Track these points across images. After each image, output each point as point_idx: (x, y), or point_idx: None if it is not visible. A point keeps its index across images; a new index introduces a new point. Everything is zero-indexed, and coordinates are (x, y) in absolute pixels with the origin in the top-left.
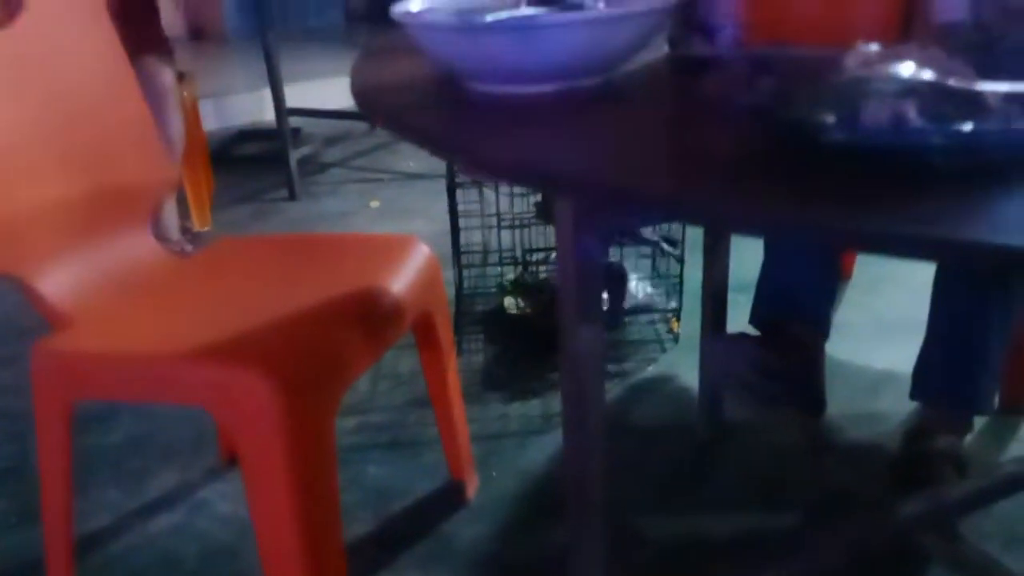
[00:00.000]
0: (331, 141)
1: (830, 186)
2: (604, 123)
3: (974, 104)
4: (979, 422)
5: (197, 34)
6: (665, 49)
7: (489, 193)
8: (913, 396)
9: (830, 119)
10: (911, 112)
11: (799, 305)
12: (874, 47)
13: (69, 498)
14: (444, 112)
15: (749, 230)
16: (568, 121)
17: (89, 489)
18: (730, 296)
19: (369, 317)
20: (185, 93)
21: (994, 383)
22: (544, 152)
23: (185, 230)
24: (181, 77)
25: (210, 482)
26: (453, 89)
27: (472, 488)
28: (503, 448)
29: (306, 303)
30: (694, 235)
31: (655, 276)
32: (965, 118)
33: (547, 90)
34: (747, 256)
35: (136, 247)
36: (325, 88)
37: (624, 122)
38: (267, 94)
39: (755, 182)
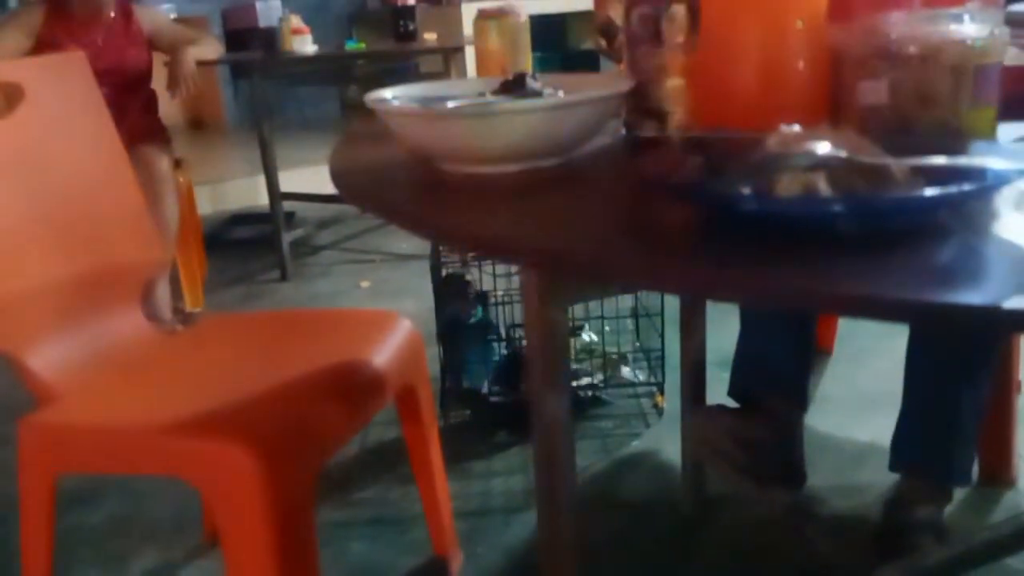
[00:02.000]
0: (323, 224)
1: (746, 250)
2: (561, 201)
3: (881, 176)
4: (959, 493)
5: (197, 124)
6: (622, 132)
7: (478, 273)
8: (892, 467)
9: (746, 191)
10: (821, 184)
11: (775, 377)
12: (795, 128)
13: (49, 572)
14: (415, 190)
15: (677, 290)
16: (529, 199)
17: (71, 570)
18: (711, 370)
19: (350, 390)
20: (181, 178)
21: (970, 455)
22: (505, 227)
23: (177, 310)
24: (178, 163)
25: (193, 562)
26: (424, 170)
27: (456, 565)
28: (487, 525)
29: (288, 376)
30: (674, 309)
31: (638, 351)
32: (873, 189)
33: (510, 170)
34: (727, 329)
35: (125, 325)
36: (319, 174)
37: (579, 200)
38: (261, 180)
39: (684, 248)
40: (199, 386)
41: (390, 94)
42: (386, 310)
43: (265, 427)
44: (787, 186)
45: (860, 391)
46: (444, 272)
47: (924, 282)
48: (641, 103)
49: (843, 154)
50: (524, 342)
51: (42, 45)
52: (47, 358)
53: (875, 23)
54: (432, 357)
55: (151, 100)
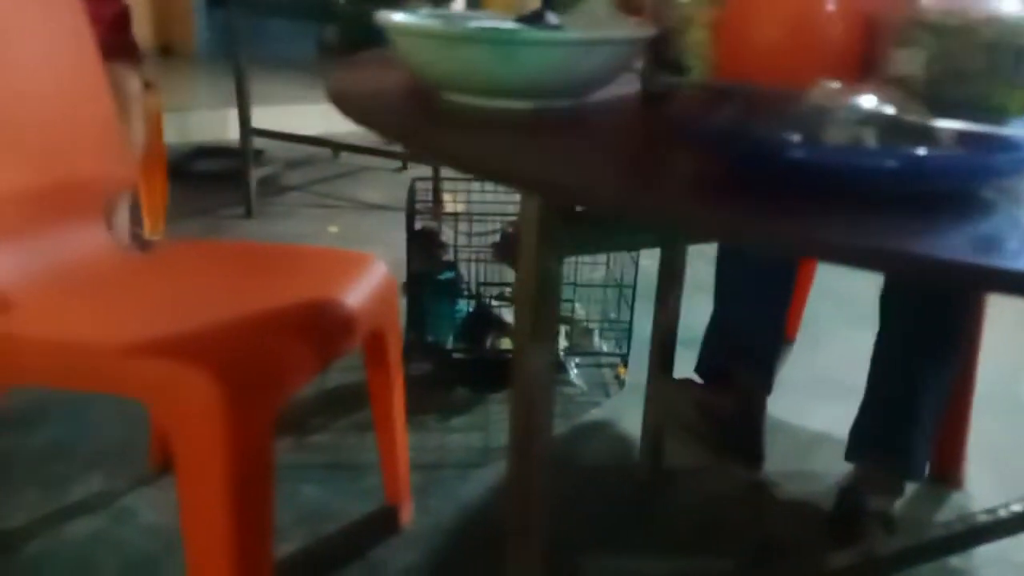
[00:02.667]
0: (293, 165)
1: (786, 201)
2: (575, 138)
3: (927, 138)
4: (909, 488)
5: (166, 50)
6: (636, 85)
7: (448, 230)
8: (849, 456)
9: (793, 137)
10: (869, 138)
11: (746, 356)
12: (836, 83)
13: None
14: (420, 116)
15: (708, 235)
16: (540, 134)
17: (6, 490)
18: (677, 349)
19: (318, 327)
20: (151, 101)
21: (926, 450)
22: (515, 154)
23: (135, 236)
24: (148, 85)
25: (138, 489)
26: (431, 99)
27: (408, 515)
28: (442, 478)
29: (256, 307)
30: (645, 284)
31: (605, 323)
32: (917, 149)
33: (521, 107)
34: (696, 310)
35: (87, 240)
36: (291, 114)
37: (594, 140)
38: (232, 113)
39: (716, 193)
40: (162, 308)
41: (400, 16)
42: (362, 252)
43: (230, 354)
44: (834, 137)
45: (818, 378)
46: (418, 225)
47: (975, 247)
48: (660, 54)
49: (890, 111)
50: (491, 299)
51: None
52: (1, 265)
53: None
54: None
55: (124, 15)
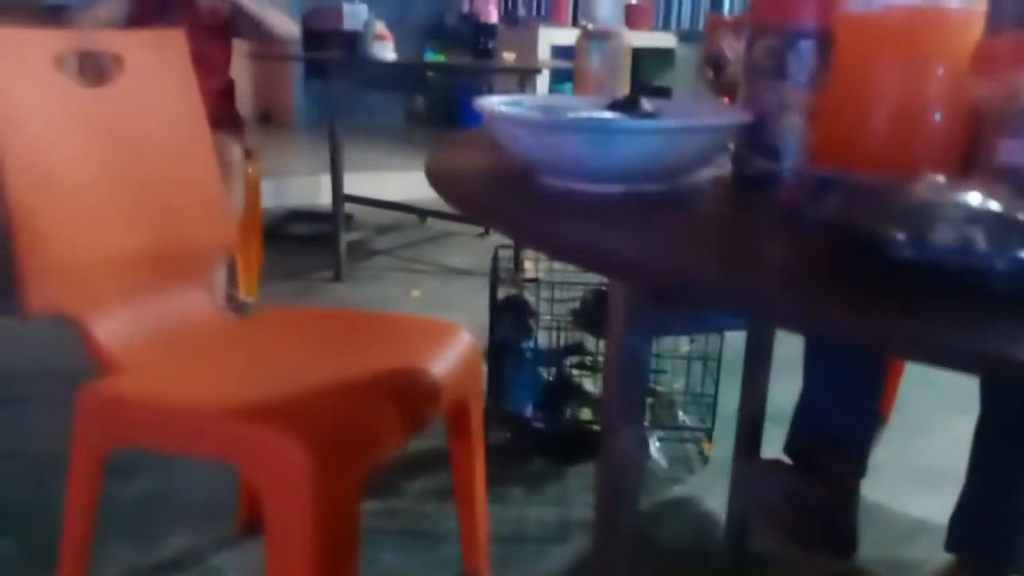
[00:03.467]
0: (381, 230)
1: (890, 296)
2: (668, 223)
3: None
4: None
5: (266, 118)
6: (729, 168)
7: (530, 297)
8: (948, 547)
9: (900, 235)
10: (978, 237)
11: (837, 437)
12: (941, 177)
13: (88, 545)
14: (512, 197)
15: (805, 326)
16: (633, 219)
17: (99, 541)
18: (764, 426)
19: (406, 395)
20: (251, 169)
21: None
22: (607, 238)
23: (231, 299)
24: (249, 154)
25: (224, 549)
26: (525, 182)
27: None
28: (521, 552)
29: (346, 375)
30: (731, 358)
31: (689, 396)
32: None
33: (615, 191)
34: (784, 385)
35: (191, 304)
36: (381, 180)
37: (687, 224)
38: (325, 179)
39: (815, 283)
40: (258, 374)
41: (497, 100)
42: (448, 321)
43: (320, 422)
44: (942, 235)
45: (914, 464)
46: (502, 292)
47: None
48: (755, 139)
49: (998, 208)
50: (572, 368)
51: (131, 21)
52: (112, 328)
53: (1023, 78)
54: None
55: (230, 87)
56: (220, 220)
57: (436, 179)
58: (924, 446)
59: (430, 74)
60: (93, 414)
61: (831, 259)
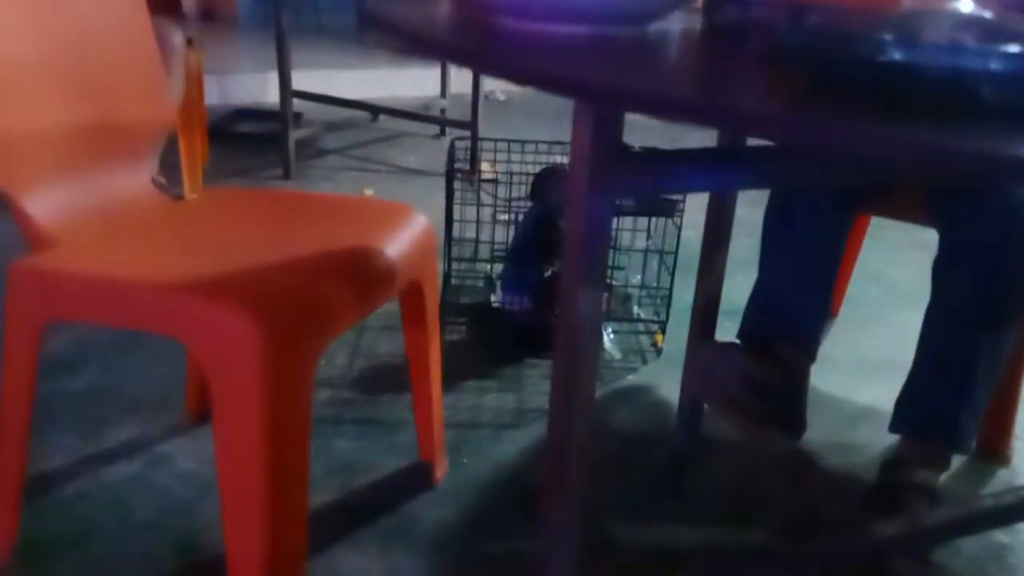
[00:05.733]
0: (332, 128)
1: (873, 104)
2: (640, 60)
3: None
4: (955, 463)
5: (208, 15)
6: (695, 23)
7: (484, 194)
8: (893, 428)
9: (888, 36)
10: (969, 40)
11: (790, 323)
12: None
13: (27, 425)
14: (467, 36)
15: (790, 134)
16: (602, 56)
17: (46, 433)
18: (718, 319)
19: (359, 274)
20: (192, 58)
21: (975, 424)
22: (572, 66)
23: (161, 186)
24: (190, 42)
25: (173, 437)
26: (482, 25)
27: (441, 472)
28: (476, 437)
29: (297, 253)
30: (687, 255)
31: (644, 290)
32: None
33: (580, 31)
34: (738, 282)
35: (129, 182)
36: (331, 78)
37: (661, 61)
38: (272, 76)
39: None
40: (203, 251)
41: None
42: (402, 203)
43: (271, 297)
44: (932, 36)
45: (861, 355)
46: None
47: None
48: None
49: (990, 16)
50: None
51: None
52: (46, 203)
53: None
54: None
55: None
56: (158, 100)
57: (380, 21)
58: (872, 339)
59: None
60: (27, 288)
61: (810, 82)
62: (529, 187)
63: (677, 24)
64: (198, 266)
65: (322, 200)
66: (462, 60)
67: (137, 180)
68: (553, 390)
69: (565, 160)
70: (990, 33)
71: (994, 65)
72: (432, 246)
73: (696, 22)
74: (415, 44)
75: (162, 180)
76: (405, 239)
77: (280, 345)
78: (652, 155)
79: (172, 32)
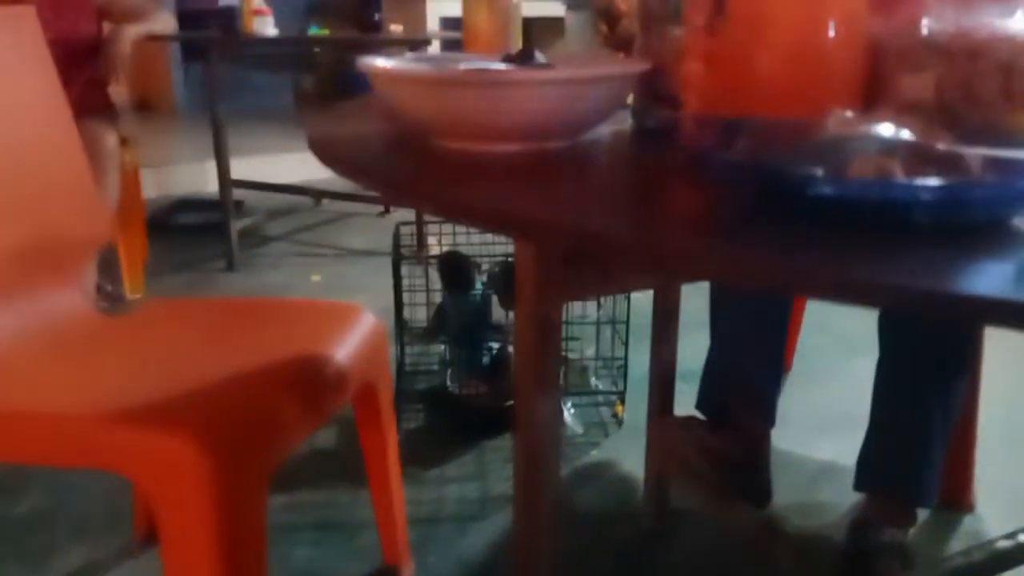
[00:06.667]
0: (274, 214)
1: (812, 237)
2: (574, 179)
3: (955, 166)
4: (921, 516)
5: (144, 105)
6: (629, 122)
7: (433, 272)
8: (857, 487)
9: (817, 172)
10: (896, 169)
11: (747, 390)
12: (850, 113)
13: None
14: (406, 163)
15: (731, 277)
16: (536, 177)
17: None
18: (676, 384)
19: (309, 384)
20: (127, 157)
21: (936, 477)
22: (511, 198)
23: (105, 295)
24: (124, 141)
25: (123, 561)
26: (417, 146)
27: (408, 574)
28: (440, 533)
29: (242, 367)
30: (639, 320)
31: (600, 360)
32: (947, 178)
33: (513, 149)
34: (692, 343)
35: (62, 303)
36: (271, 163)
37: (594, 180)
38: (211, 165)
39: (736, 231)
40: (141, 372)
41: (382, 60)
42: (350, 303)
43: (214, 419)
44: (859, 169)
45: (818, 410)
46: (406, 270)
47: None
48: (654, 89)
49: (913, 139)
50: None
51: None
52: None
53: (919, 14)
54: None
55: (98, 73)
56: (90, 212)
57: (320, 148)
58: (826, 392)
59: (316, 50)
60: None
61: (742, 205)
62: (440, 274)
63: (611, 129)
64: (133, 389)
65: (266, 305)
66: (395, 193)
67: (70, 298)
68: (516, 489)
69: (510, 244)
70: (914, 158)
71: (923, 195)
72: (383, 344)
73: (627, 126)
74: (353, 175)
75: (105, 286)
76: (355, 341)
77: (229, 470)
78: (595, 261)
79: (105, 134)
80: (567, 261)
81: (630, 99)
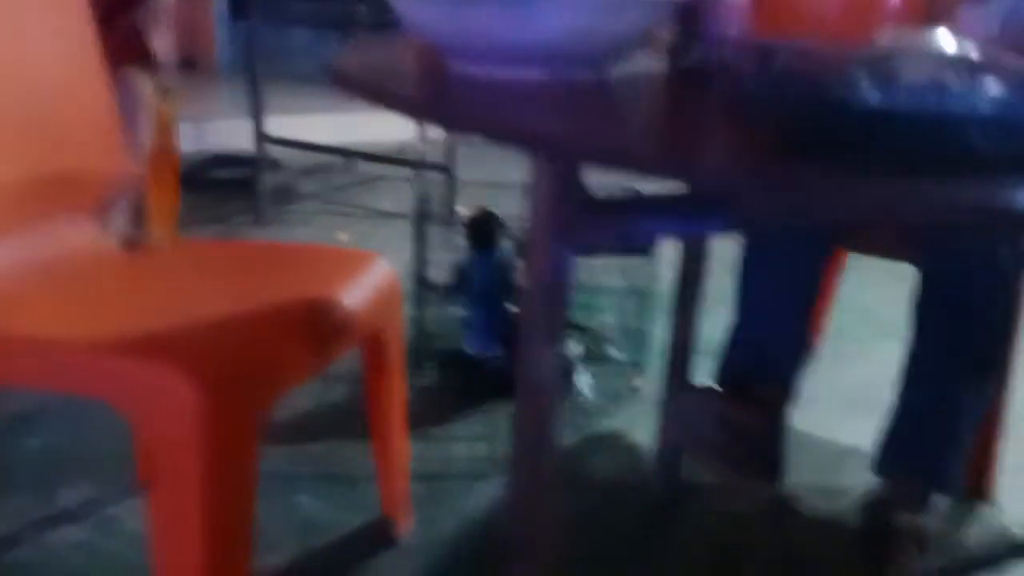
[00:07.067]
0: (307, 173)
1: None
2: (596, 106)
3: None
4: (940, 504)
5: (189, 63)
6: (660, 63)
7: (460, 238)
8: (877, 470)
9: (865, 79)
10: (952, 80)
11: (768, 365)
12: (905, 29)
13: None
14: (430, 86)
15: (771, 206)
16: (561, 102)
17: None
18: (694, 359)
19: (313, 325)
20: (163, 108)
21: (961, 464)
22: (534, 116)
23: (128, 240)
24: (165, 92)
25: (124, 499)
26: (442, 72)
27: (406, 528)
28: (446, 490)
29: (246, 306)
30: (662, 293)
31: (620, 330)
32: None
33: (537, 76)
34: (714, 319)
35: (80, 237)
36: (308, 124)
37: (624, 109)
38: (247, 123)
39: (772, 152)
40: (144, 307)
41: None
42: (365, 251)
43: (210, 354)
44: (911, 76)
45: (843, 392)
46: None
47: None
48: (691, 25)
49: (976, 54)
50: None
51: None
52: None
53: None
54: (408, 317)
55: (140, 23)
56: (116, 152)
57: (340, 75)
58: (852, 374)
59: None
60: None
61: (782, 132)
62: (466, 232)
63: (642, 67)
64: (135, 322)
65: (280, 250)
66: (416, 112)
67: (86, 233)
68: (515, 448)
69: None
70: (974, 72)
71: (983, 109)
72: (397, 296)
73: (662, 65)
74: (372, 96)
75: (133, 232)
76: (366, 288)
77: (221, 404)
78: (617, 204)
79: (141, 82)
80: (585, 204)
81: (666, 38)
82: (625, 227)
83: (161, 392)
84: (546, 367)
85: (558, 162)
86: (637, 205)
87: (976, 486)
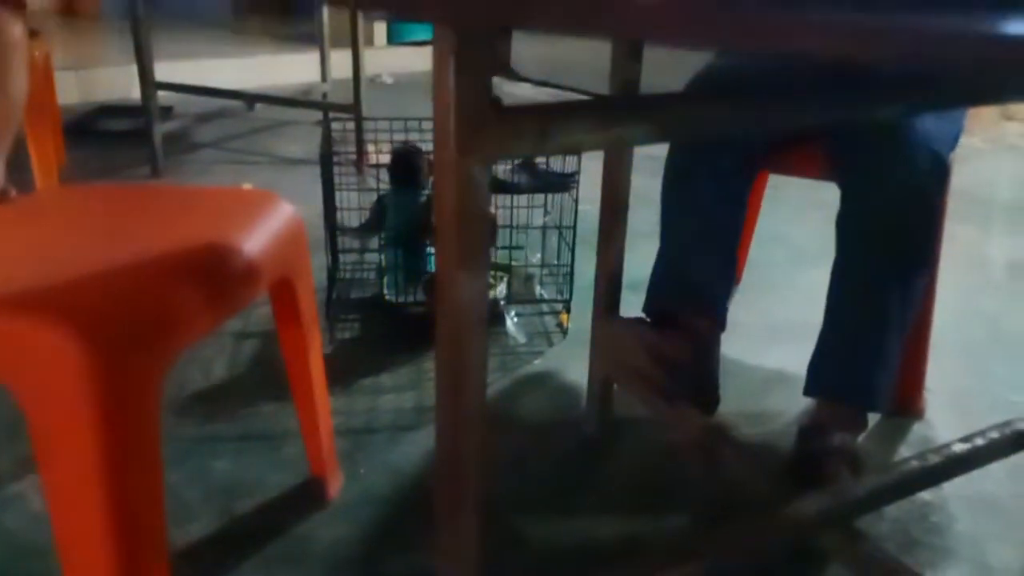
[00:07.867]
0: (204, 120)
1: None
2: None
3: None
4: (871, 422)
5: (68, 10)
6: None
7: (372, 182)
8: (807, 391)
9: None
10: None
11: (697, 293)
12: None
13: None
14: None
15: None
16: None
17: None
18: (622, 294)
19: (212, 274)
20: (37, 52)
21: (890, 381)
22: None
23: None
24: (34, 33)
25: (28, 473)
26: None
27: (335, 486)
28: (372, 443)
29: (140, 254)
30: (586, 230)
31: (545, 269)
32: None
33: None
34: (639, 254)
35: None
36: (203, 68)
37: None
38: (135, 69)
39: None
40: (21, 259)
41: None
42: (263, 190)
43: (97, 308)
44: None
45: (769, 319)
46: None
47: None
48: None
49: None
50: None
51: None
52: None
53: None
54: (319, 267)
55: None
56: None
57: None
58: (778, 302)
59: None
60: None
61: None
62: (389, 167)
63: None
64: (12, 278)
65: (172, 192)
66: None
67: None
68: (439, 385)
69: None
70: None
71: None
72: (301, 237)
73: None
74: None
75: (10, 186)
76: (268, 231)
77: (112, 362)
78: (528, 109)
79: (10, 23)
80: (491, 111)
81: None
82: (545, 134)
83: (42, 353)
84: (467, 298)
85: (462, 32)
86: (550, 110)
87: (905, 402)
